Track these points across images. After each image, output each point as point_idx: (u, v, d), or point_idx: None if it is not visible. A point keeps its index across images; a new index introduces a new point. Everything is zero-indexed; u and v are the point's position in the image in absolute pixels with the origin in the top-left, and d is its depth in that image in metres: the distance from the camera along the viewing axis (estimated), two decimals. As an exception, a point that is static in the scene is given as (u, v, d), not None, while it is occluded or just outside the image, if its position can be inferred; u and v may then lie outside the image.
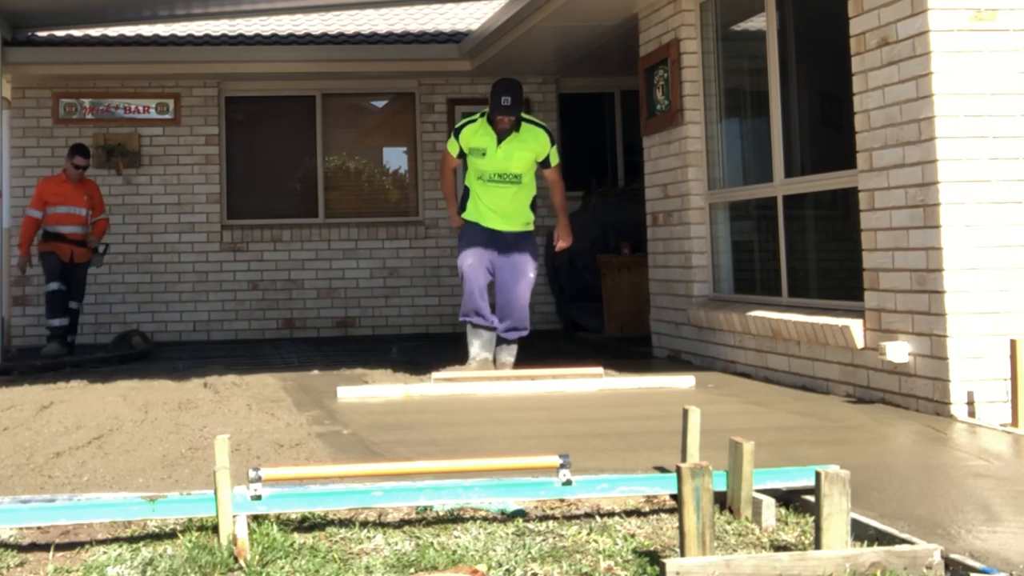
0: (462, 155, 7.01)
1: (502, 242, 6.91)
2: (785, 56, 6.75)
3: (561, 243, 7.12)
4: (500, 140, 6.81)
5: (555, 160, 7.02)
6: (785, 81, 6.71)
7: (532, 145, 6.90)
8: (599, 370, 6.54)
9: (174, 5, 10.16)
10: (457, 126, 7.02)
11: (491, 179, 6.91)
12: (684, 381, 6.32)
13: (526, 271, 6.92)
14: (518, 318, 6.90)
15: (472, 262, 6.86)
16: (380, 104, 11.95)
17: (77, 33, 10.62)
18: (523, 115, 6.90)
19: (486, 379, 6.55)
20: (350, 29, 11.08)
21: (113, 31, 10.74)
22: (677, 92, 7.65)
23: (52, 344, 8.89)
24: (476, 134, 6.86)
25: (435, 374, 6.57)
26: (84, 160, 9.21)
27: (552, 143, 6.98)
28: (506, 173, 6.90)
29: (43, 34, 10.49)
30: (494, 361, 6.90)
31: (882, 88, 5.40)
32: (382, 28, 11.10)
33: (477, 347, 6.86)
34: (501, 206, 6.93)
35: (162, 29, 10.90)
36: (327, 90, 11.29)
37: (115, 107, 10.87)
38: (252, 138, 11.34)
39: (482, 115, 6.90)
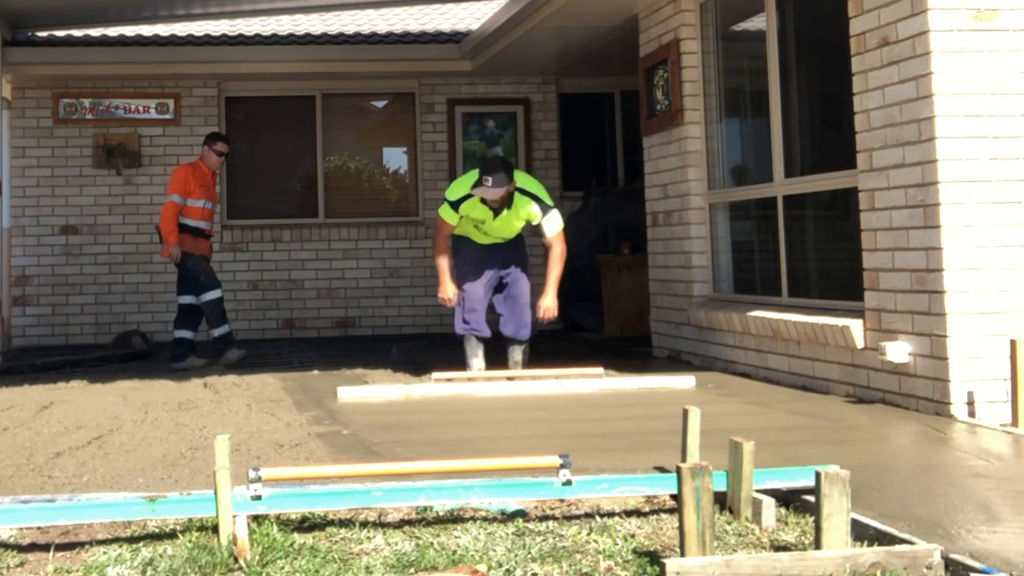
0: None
1: (497, 249, 7.01)
2: (785, 56, 6.75)
3: (544, 314, 6.77)
4: (496, 214, 6.75)
5: (550, 228, 6.73)
6: (785, 81, 6.71)
7: (523, 214, 6.78)
8: (599, 370, 6.56)
9: (174, 5, 10.16)
10: (454, 199, 6.70)
11: (486, 234, 6.97)
12: (684, 381, 6.32)
13: (525, 271, 7.06)
14: (525, 318, 7.03)
15: (472, 283, 6.95)
16: (380, 104, 11.95)
17: (77, 33, 10.62)
18: (518, 186, 6.68)
19: (486, 379, 6.57)
20: (350, 29, 11.07)
21: (113, 31, 10.74)
22: (677, 92, 7.65)
23: (232, 351, 8.16)
24: (474, 208, 6.76)
25: (435, 374, 6.59)
26: (227, 146, 8.46)
27: (544, 211, 6.70)
28: (501, 237, 6.97)
29: (43, 34, 10.49)
30: (507, 360, 7.04)
31: (882, 88, 5.40)
32: (382, 28, 11.10)
33: (478, 362, 6.96)
34: (494, 243, 7.04)
35: (162, 29, 10.90)
36: (327, 90, 11.29)
37: (115, 107, 10.87)
38: (252, 138, 11.33)
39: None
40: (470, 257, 7.01)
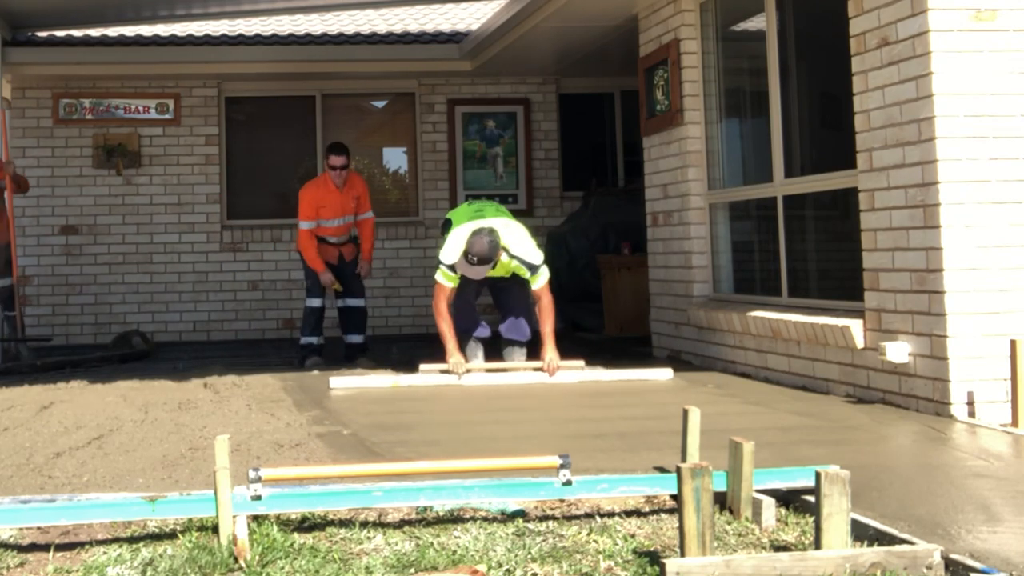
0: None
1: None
2: (785, 56, 6.75)
3: (551, 369, 6.65)
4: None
5: (537, 283, 6.72)
6: (785, 81, 6.71)
7: (511, 268, 6.80)
8: (580, 363, 6.82)
9: (174, 5, 10.16)
10: (449, 263, 6.68)
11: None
12: (662, 373, 6.68)
13: (520, 279, 7.05)
14: (524, 321, 7.12)
15: (464, 291, 6.98)
16: (380, 104, 11.95)
17: (77, 33, 10.62)
18: (510, 252, 6.66)
19: (479, 370, 6.80)
20: (350, 29, 11.07)
21: (113, 31, 10.75)
22: (677, 92, 7.65)
23: (313, 357, 8.07)
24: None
25: (422, 365, 6.78)
26: (339, 158, 8.02)
27: (532, 270, 6.68)
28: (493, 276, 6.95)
29: (43, 34, 10.49)
30: (506, 361, 7.15)
31: (882, 88, 5.40)
32: (382, 28, 11.11)
33: (478, 363, 7.05)
34: None
35: (162, 29, 10.90)
36: (327, 90, 11.29)
37: (115, 107, 10.87)
38: (252, 138, 11.34)
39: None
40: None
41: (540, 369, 6.68)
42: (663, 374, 6.68)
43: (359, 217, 8.33)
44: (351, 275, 8.26)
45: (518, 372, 6.81)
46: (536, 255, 6.75)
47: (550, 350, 6.67)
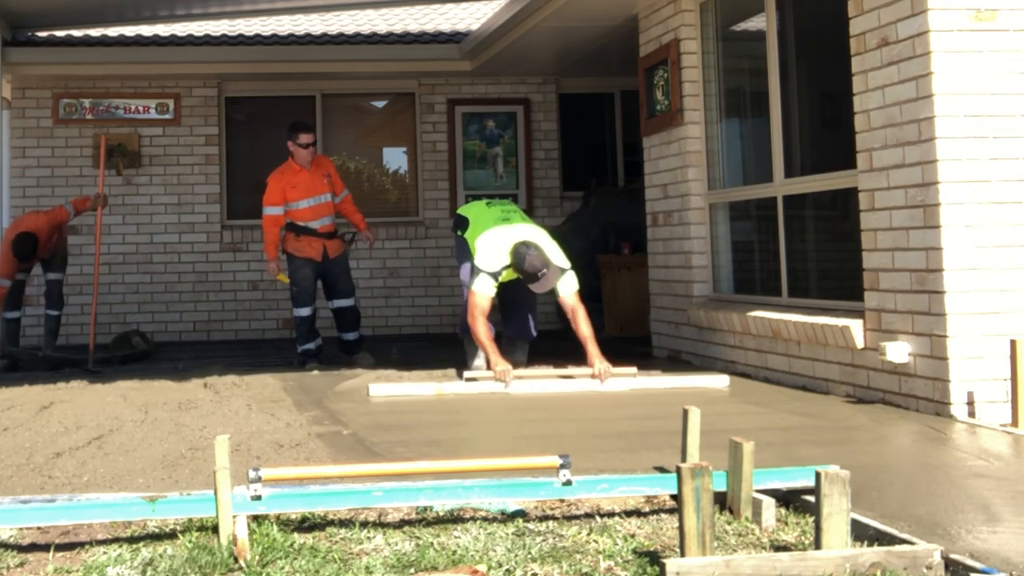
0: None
1: None
2: (785, 56, 6.75)
3: (604, 376, 6.35)
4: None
5: (566, 288, 6.57)
6: (785, 81, 6.71)
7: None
8: (632, 369, 6.51)
9: (174, 5, 10.17)
10: (493, 271, 6.47)
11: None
12: (718, 381, 6.30)
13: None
14: (529, 319, 7.09)
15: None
16: (380, 104, 11.95)
17: (77, 33, 10.62)
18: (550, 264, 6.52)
19: (531, 377, 6.50)
20: (350, 29, 11.08)
21: (113, 31, 10.75)
22: (677, 92, 7.65)
23: (311, 362, 7.92)
24: (508, 275, 6.66)
25: (466, 373, 6.55)
26: (309, 135, 8.00)
27: (560, 274, 6.53)
28: None
29: (43, 34, 10.50)
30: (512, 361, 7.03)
31: (882, 88, 5.40)
32: (382, 28, 11.11)
33: (479, 362, 6.93)
34: None
35: (162, 29, 10.90)
36: (327, 90, 11.29)
37: (115, 107, 10.87)
38: (252, 138, 11.33)
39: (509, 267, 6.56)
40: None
41: (593, 376, 6.38)
42: (719, 381, 6.30)
43: (338, 199, 8.20)
44: (339, 274, 8.14)
45: (568, 380, 6.46)
46: (565, 260, 6.65)
47: (598, 356, 6.39)
